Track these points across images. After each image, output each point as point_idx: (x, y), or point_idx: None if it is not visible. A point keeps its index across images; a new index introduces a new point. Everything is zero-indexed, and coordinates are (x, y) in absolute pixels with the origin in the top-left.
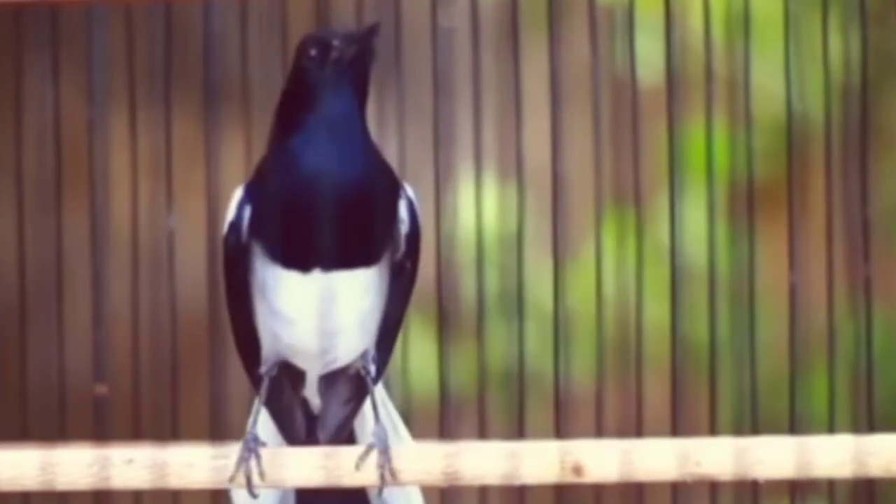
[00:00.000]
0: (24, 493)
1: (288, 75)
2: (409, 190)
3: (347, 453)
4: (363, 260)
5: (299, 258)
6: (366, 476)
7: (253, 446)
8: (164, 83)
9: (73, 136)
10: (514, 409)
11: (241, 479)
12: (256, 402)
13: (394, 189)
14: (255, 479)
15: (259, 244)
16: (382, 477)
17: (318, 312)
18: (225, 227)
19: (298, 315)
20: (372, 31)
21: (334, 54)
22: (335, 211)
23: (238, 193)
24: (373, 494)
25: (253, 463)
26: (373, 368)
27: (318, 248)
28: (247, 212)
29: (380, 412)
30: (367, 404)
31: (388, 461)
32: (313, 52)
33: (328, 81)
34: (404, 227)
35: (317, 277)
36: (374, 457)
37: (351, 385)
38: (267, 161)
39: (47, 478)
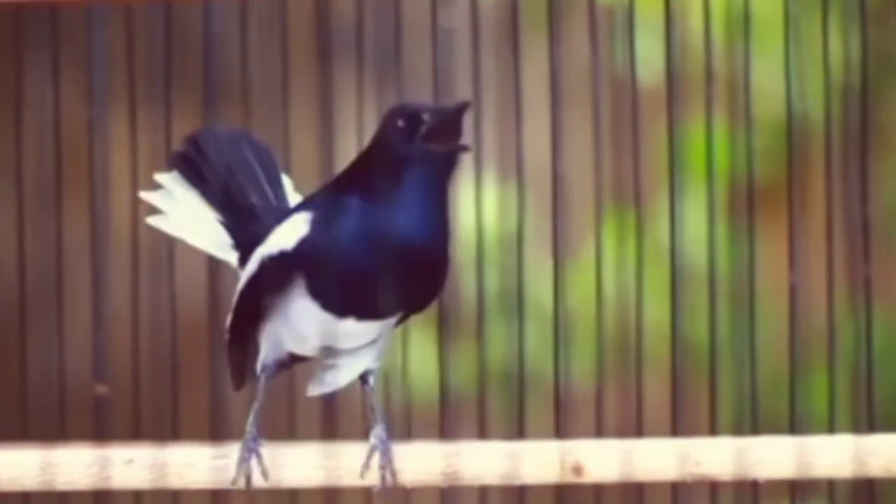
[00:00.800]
0: (25, 493)
1: (372, 140)
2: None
3: (348, 453)
4: (395, 312)
5: (342, 308)
6: (367, 476)
7: (253, 446)
8: (164, 83)
9: (73, 136)
10: (514, 409)
11: (242, 480)
12: (255, 402)
13: (447, 258)
14: (257, 478)
15: (305, 281)
16: (384, 478)
17: (332, 338)
18: (274, 250)
19: (314, 337)
20: (462, 108)
21: (423, 128)
22: (398, 279)
23: (302, 227)
24: None
25: (254, 462)
26: (371, 379)
27: (363, 305)
28: (306, 249)
29: (380, 415)
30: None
31: (389, 462)
32: (401, 123)
33: (416, 156)
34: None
35: (347, 322)
36: (376, 458)
37: None
38: (342, 212)
39: (47, 478)
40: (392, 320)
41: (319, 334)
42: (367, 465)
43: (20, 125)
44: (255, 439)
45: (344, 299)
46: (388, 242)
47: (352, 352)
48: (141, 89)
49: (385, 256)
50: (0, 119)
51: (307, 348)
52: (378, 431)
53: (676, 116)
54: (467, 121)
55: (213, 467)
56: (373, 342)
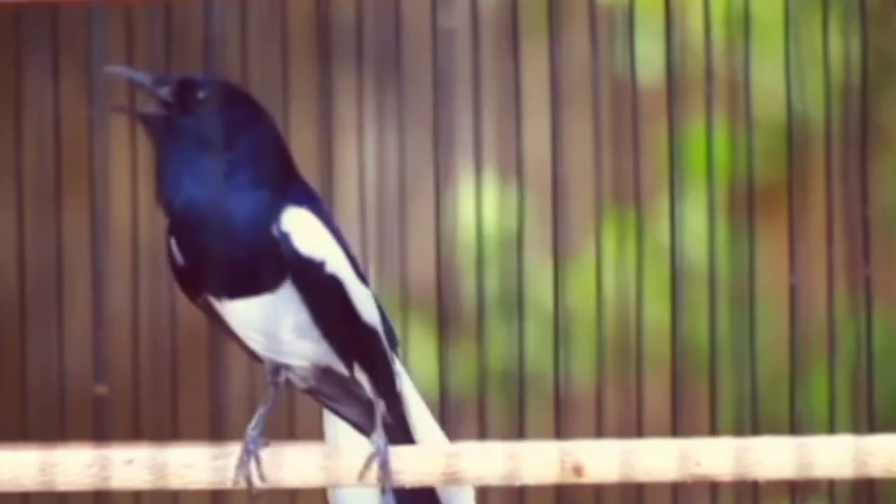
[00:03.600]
0: (24, 493)
1: None
2: (286, 222)
3: (347, 454)
4: (252, 289)
5: (210, 289)
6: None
7: (252, 448)
8: None
9: (73, 136)
10: (514, 409)
11: (242, 481)
12: (261, 406)
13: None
14: (255, 481)
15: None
16: (383, 488)
17: (249, 328)
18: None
19: (235, 327)
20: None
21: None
22: (196, 247)
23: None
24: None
25: (252, 465)
26: (362, 378)
27: (212, 282)
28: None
29: (378, 421)
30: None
31: (387, 472)
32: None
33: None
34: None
35: (232, 305)
36: (375, 465)
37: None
38: None
39: (47, 478)
40: (273, 304)
41: (233, 323)
42: (364, 472)
43: (20, 125)
44: (254, 441)
45: (198, 279)
46: (171, 215)
47: (285, 342)
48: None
49: (177, 229)
50: (0, 119)
51: (253, 343)
52: (375, 437)
53: (676, 117)
54: (467, 120)
55: (212, 468)
56: (295, 335)
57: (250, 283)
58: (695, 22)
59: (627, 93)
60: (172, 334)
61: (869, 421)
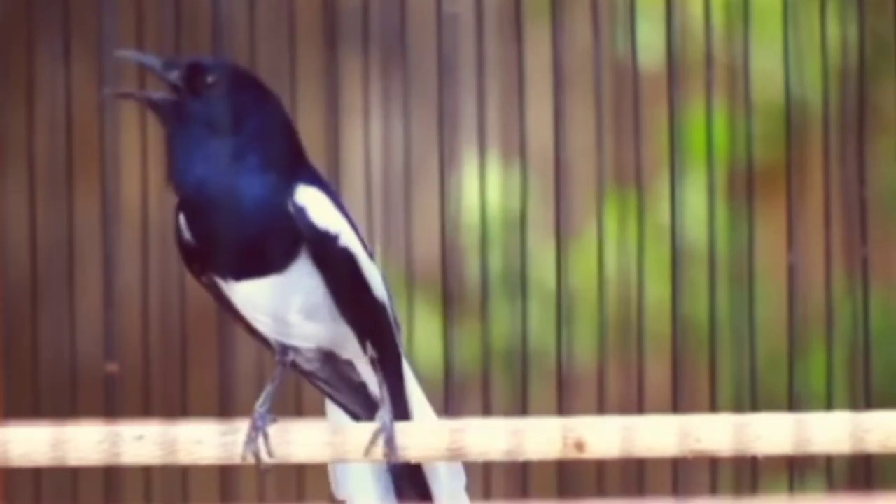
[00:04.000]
0: (36, 468)
1: None
2: (300, 197)
3: (353, 430)
4: (261, 270)
5: (223, 270)
6: (371, 454)
7: (261, 424)
8: None
9: (84, 119)
10: (517, 386)
11: (250, 457)
12: (269, 384)
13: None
14: (264, 456)
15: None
16: (388, 464)
17: (248, 307)
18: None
19: (242, 309)
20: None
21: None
22: (207, 226)
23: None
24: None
25: (261, 441)
26: (372, 355)
27: (226, 263)
28: (178, 233)
29: (385, 395)
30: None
31: (393, 448)
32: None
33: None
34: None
35: (241, 286)
36: (381, 440)
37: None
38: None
39: (58, 454)
40: (285, 284)
41: (239, 304)
42: (370, 447)
43: (32, 108)
44: (262, 417)
45: (206, 259)
46: (181, 196)
47: (294, 323)
48: (151, 73)
49: (187, 210)
50: (12, 102)
51: (259, 325)
52: (382, 414)
53: (677, 100)
54: (471, 104)
55: (221, 444)
56: (305, 315)
57: (260, 264)
58: (695, 7)
59: (629, 77)
60: (182, 313)
61: (866, 398)
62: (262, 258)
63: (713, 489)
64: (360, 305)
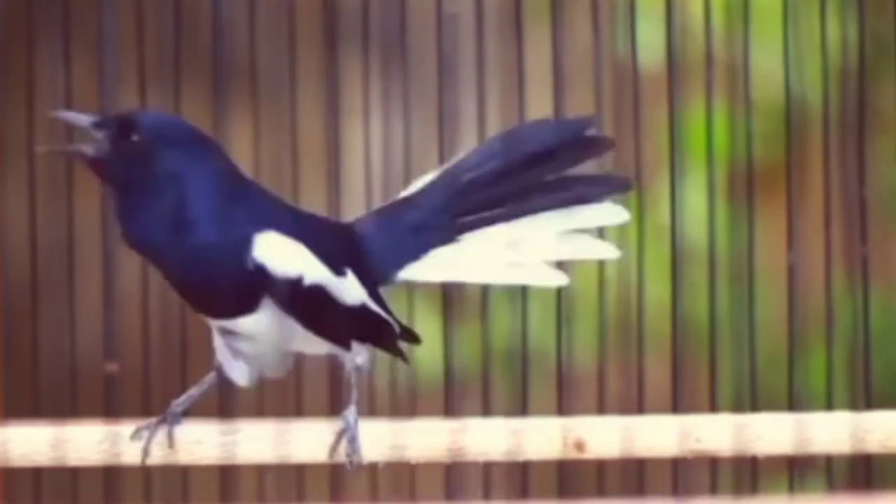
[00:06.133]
0: (36, 468)
1: None
2: (258, 252)
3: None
4: (231, 313)
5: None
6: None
7: (169, 421)
8: (174, 68)
9: None
10: (517, 386)
11: (140, 447)
12: (196, 387)
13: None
14: (153, 453)
15: None
16: (350, 462)
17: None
18: None
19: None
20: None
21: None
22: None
23: None
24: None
25: (159, 437)
26: (360, 359)
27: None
28: None
29: (353, 398)
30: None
31: (355, 450)
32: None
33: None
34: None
35: (213, 322)
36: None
37: None
38: None
39: (58, 454)
40: (257, 323)
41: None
42: (335, 447)
43: (32, 108)
44: (174, 416)
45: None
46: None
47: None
48: (151, 73)
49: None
50: (12, 102)
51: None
52: (346, 414)
53: (677, 100)
54: (471, 103)
55: (221, 444)
56: (277, 346)
57: (226, 310)
58: (695, 7)
59: (629, 77)
60: (181, 313)
61: (866, 397)
62: (229, 305)
63: (713, 489)
64: (333, 322)
